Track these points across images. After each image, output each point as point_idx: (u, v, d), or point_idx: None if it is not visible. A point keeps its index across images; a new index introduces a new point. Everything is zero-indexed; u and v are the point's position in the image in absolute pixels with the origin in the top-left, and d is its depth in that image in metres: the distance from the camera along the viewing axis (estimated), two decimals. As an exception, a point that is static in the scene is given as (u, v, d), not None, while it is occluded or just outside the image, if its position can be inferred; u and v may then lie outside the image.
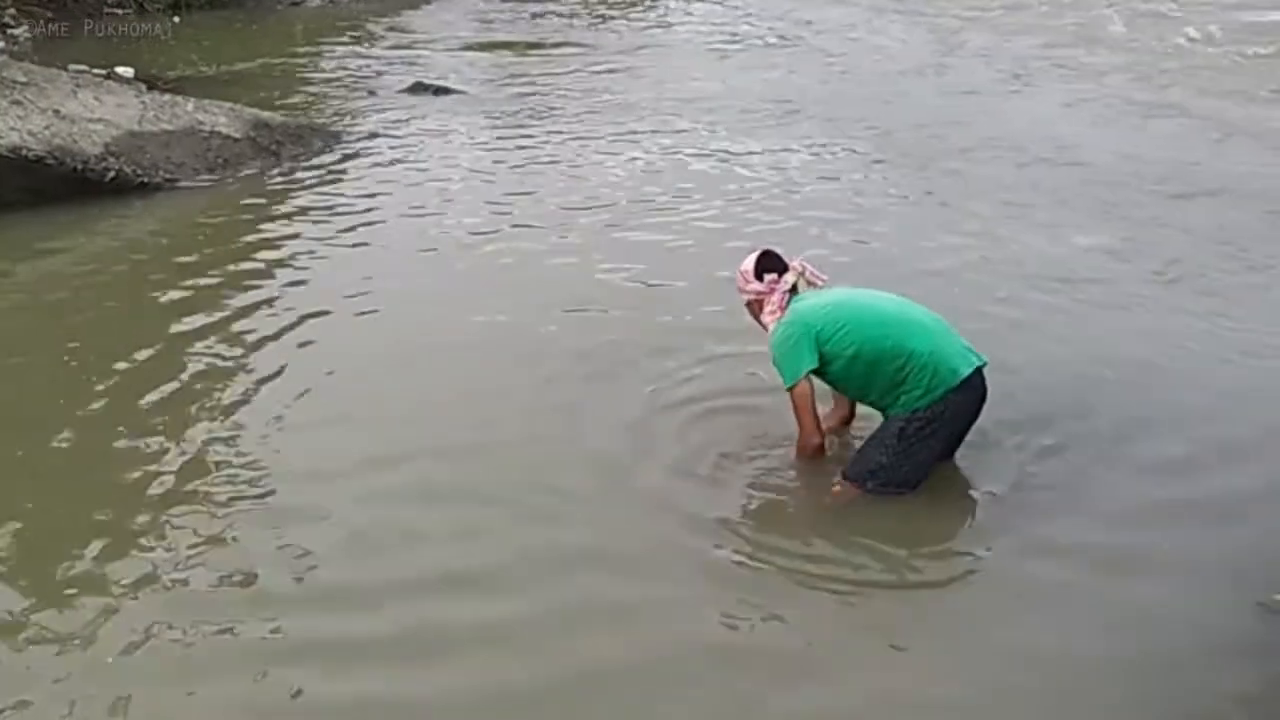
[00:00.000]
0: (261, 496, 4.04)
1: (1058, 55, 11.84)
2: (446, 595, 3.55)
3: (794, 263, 4.12)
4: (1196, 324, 5.50)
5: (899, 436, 3.86)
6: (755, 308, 4.14)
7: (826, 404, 4.27)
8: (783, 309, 4.02)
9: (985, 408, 4.01)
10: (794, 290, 4.09)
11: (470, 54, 12.72)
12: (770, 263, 4.10)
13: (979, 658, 3.32)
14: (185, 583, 3.57)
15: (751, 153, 8.56)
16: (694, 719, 3.08)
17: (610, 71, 11.63)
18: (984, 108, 10.03)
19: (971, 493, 4.09)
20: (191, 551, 3.71)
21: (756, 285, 4.08)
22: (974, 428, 4.06)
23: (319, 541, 3.77)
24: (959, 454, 4.12)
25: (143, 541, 3.78)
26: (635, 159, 8.44)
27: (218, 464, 4.22)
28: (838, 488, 4.01)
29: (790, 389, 3.92)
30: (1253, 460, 4.34)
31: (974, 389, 3.92)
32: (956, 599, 3.65)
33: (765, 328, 4.06)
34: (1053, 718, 3.10)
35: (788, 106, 10.01)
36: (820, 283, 4.15)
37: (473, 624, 3.42)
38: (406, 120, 9.53)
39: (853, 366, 3.87)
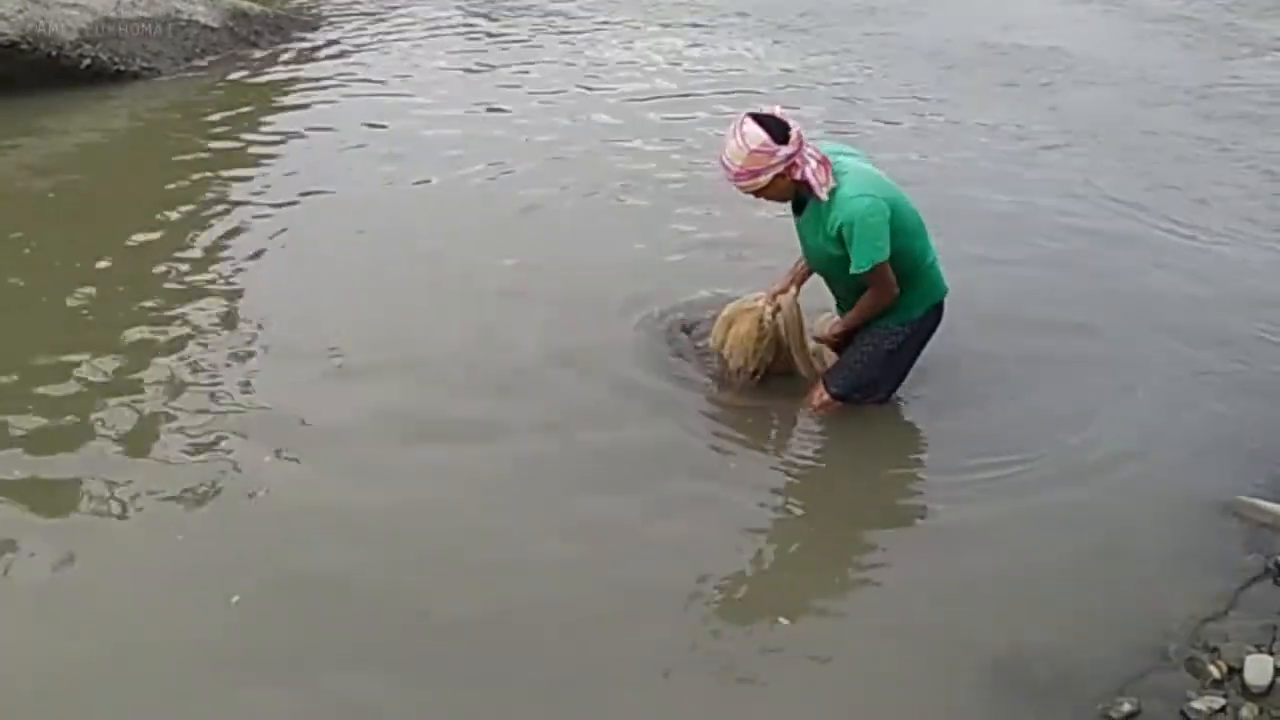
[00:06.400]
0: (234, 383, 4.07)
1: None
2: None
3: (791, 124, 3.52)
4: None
5: (891, 352, 3.79)
6: (785, 179, 3.49)
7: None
8: (828, 168, 3.49)
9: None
10: None
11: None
12: (773, 123, 3.47)
13: (940, 563, 3.39)
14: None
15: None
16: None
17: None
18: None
19: (937, 407, 4.11)
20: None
21: (786, 150, 3.43)
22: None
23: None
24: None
25: (115, 421, 3.80)
26: (628, 56, 8.41)
27: (184, 353, 4.22)
28: (819, 401, 3.93)
29: (868, 272, 3.53)
30: (1226, 356, 4.48)
31: (942, 307, 3.85)
32: (932, 510, 3.70)
33: (815, 190, 3.48)
34: (1010, 620, 3.16)
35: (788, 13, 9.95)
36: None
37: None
38: (387, 11, 9.38)
39: None
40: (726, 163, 3.47)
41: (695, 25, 9.39)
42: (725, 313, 4.00)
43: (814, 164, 3.46)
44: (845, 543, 3.53)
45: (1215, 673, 2.94)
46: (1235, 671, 2.94)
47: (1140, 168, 6.47)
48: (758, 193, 3.55)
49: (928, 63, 8.53)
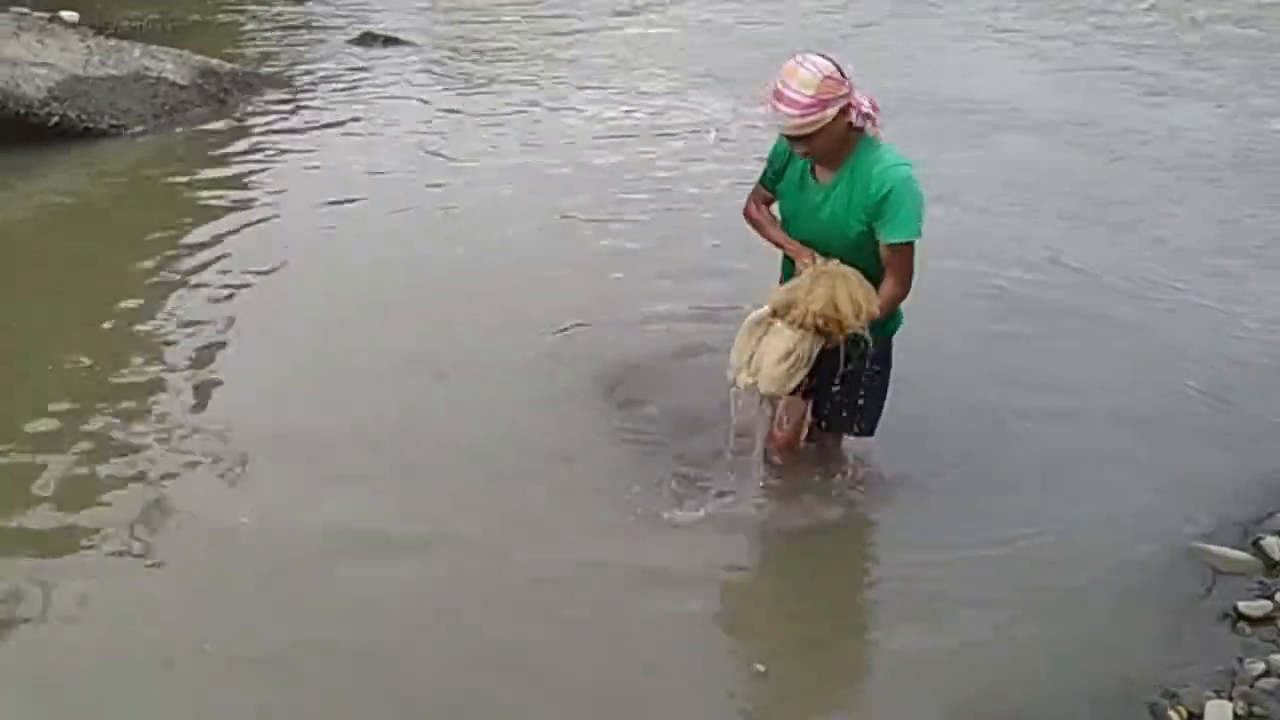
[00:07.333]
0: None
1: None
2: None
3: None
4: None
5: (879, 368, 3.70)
6: (844, 118, 3.31)
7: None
8: (878, 113, 3.41)
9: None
10: None
11: (422, 5, 12.60)
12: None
13: (900, 612, 3.43)
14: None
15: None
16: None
17: (570, 30, 11.55)
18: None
19: (910, 475, 4.09)
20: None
21: (849, 84, 3.32)
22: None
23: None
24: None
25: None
26: (589, 117, 8.49)
27: (153, 415, 4.24)
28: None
29: (899, 246, 3.35)
30: (1185, 406, 4.56)
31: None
32: (894, 561, 3.71)
33: (875, 125, 3.39)
34: (969, 667, 3.18)
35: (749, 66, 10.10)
36: None
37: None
38: (354, 71, 9.47)
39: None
40: (795, 95, 3.22)
41: (659, 87, 9.39)
42: (800, 295, 3.41)
43: (867, 105, 3.37)
44: (820, 596, 3.56)
45: (1175, 719, 2.96)
46: (1195, 718, 2.96)
47: (1088, 220, 6.55)
48: (812, 135, 3.29)
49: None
